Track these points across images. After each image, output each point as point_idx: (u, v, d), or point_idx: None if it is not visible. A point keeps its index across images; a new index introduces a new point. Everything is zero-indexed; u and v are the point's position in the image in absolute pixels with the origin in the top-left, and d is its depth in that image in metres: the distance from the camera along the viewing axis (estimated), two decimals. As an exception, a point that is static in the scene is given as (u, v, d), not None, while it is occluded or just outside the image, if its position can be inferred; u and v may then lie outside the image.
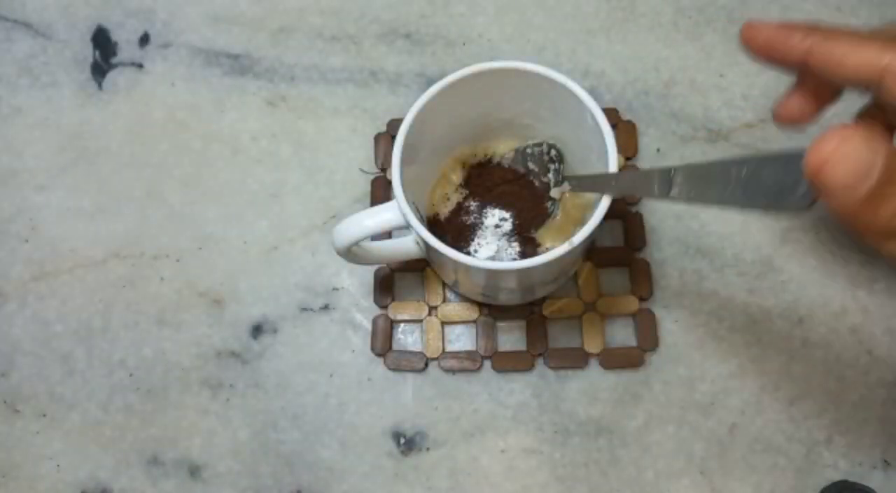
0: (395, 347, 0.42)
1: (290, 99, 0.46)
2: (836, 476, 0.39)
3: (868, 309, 0.41)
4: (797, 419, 0.40)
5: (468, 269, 0.32)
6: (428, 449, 0.40)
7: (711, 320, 0.41)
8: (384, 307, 0.42)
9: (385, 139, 0.45)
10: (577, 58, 0.46)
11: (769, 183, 0.23)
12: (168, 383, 0.41)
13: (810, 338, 0.41)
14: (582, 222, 0.32)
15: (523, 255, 0.38)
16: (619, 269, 0.43)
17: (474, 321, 0.42)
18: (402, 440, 0.40)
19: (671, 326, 0.41)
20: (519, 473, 0.40)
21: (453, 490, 0.40)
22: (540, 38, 0.47)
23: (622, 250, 0.43)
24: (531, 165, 0.38)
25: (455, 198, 0.39)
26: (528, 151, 0.38)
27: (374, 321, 0.42)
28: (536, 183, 0.38)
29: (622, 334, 0.42)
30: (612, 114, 0.44)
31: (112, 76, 0.47)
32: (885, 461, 0.39)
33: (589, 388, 0.41)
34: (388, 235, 0.41)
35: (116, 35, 0.48)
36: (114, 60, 0.47)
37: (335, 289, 0.43)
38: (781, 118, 0.29)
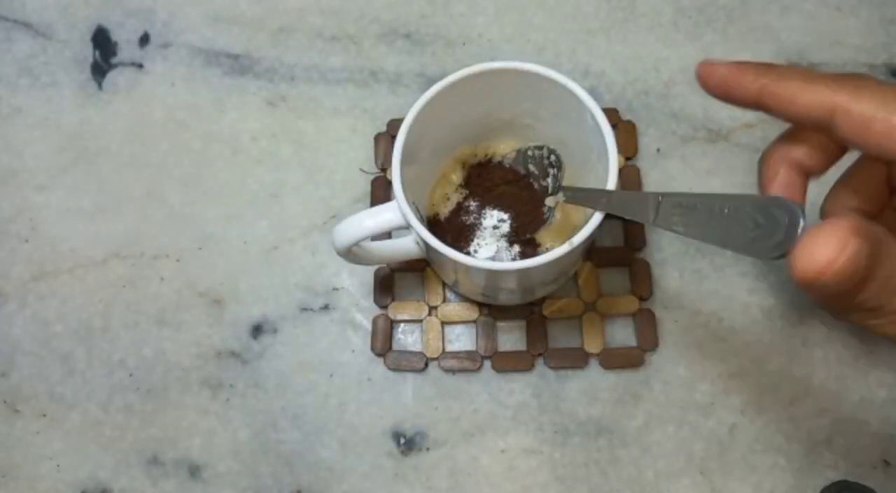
0: (395, 347, 0.42)
1: (290, 99, 0.46)
2: (836, 476, 0.39)
3: (868, 309, 0.41)
4: (797, 419, 0.40)
5: (468, 269, 0.32)
6: (428, 449, 0.40)
7: (711, 320, 0.41)
8: (384, 307, 0.42)
9: (385, 139, 0.45)
10: (577, 58, 0.46)
11: (749, 225, 0.23)
12: (168, 383, 0.41)
13: (810, 338, 0.41)
14: (582, 223, 0.32)
15: (523, 255, 0.38)
16: (619, 269, 0.43)
17: (474, 321, 0.42)
18: (402, 440, 0.40)
19: (671, 326, 0.41)
20: (519, 473, 0.40)
21: (453, 490, 0.40)
22: (540, 38, 0.47)
23: (622, 250, 0.43)
24: (531, 168, 0.38)
25: (455, 198, 0.39)
26: (529, 153, 0.38)
27: (374, 321, 0.42)
28: (535, 185, 0.38)
29: (622, 334, 0.42)
30: (612, 114, 0.44)
31: (112, 76, 0.47)
32: (885, 461, 0.39)
33: (589, 388, 0.41)
34: (388, 235, 0.41)
35: (116, 35, 0.48)
36: (114, 60, 0.47)
37: (335, 289, 0.43)
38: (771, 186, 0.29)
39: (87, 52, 0.47)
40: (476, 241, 0.38)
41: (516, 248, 0.38)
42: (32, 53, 0.47)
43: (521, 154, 0.38)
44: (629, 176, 0.43)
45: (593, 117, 0.32)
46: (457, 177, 0.40)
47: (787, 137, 0.27)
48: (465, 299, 0.42)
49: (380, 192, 0.44)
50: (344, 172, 0.45)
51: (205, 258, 0.43)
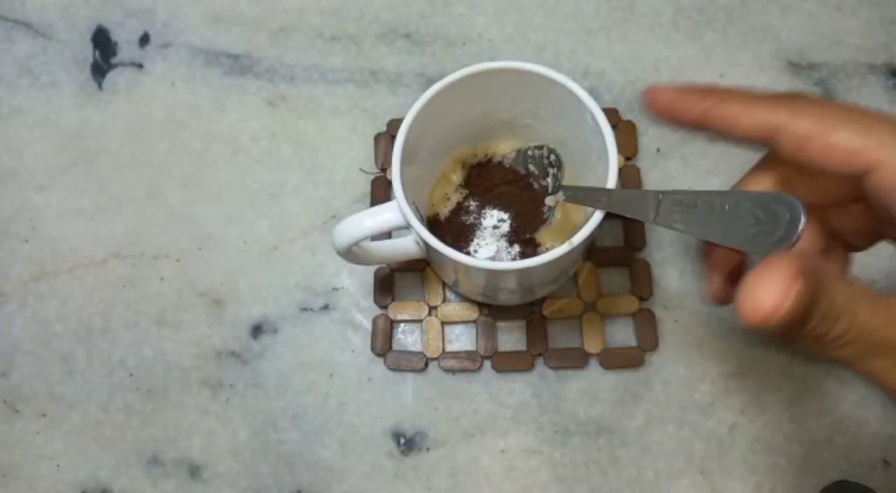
0: (395, 347, 0.42)
1: (290, 99, 0.46)
2: (836, 476, 0.39)
3: (868, 309, 0.41)
4: (797, 419, 0.40)
5: (468, 269, 0.32)
6: (428, 449, 0.40)
7: (711, 320, 0.41)
8: (384, 307, 0.42)
9: (385, 139, 0.45)
10: (577, 58, 0.46)
11: (749, 222, 0.24)
12: (168, 383, 0.41)
13: (810, 338, 0.41)
14: (582, 223, 0.32)
15: (523, 255, 0.38)
16: (619, 269, 0.43)
17: (474, 321, 0.42)
18: (402, 440, 0.40)
19: (671, 326, 0.41)
20: (519, 473, 0.40)
21: (453, 490, 0.40)
22: (540, 38, 0.47)
23: (622, 250, 0.43)
24: (531, 167, 0.38)
25: (455, 198, 0.39)
26: (530, 153, 0.38)
27: (374, 321, 0.42)
28: (535, 185, 0.38)
29: (622, 334, 0.42)
30: (612, 114, 0.44)
31: (112, 76, 0.47)
32: (885, 461, 0.39)
33: (589, 388, 0.41)
34: (388, 235, 0.41)
35: (116, 35, 0.48)
36: (114, 60, 0.47)
37: (335, 289, 0.43)
38: (714, 301, 0.31)
39: (87, 52, 0.47)
40: (476, 241, 0.38)
41: (516, 248, 0.38)
42: (32, 53, 0.47)
43: (521, 154, 0.38)
44: (629, 176, 0.43)
45: (593, 117, 0.32)
46: (457, 177, 0.40)
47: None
48: (465, 299, 0.42)
49: (380, 192, 0.44)
50: (344, 172, 0.45)
51: (205, 258, 0.43)
